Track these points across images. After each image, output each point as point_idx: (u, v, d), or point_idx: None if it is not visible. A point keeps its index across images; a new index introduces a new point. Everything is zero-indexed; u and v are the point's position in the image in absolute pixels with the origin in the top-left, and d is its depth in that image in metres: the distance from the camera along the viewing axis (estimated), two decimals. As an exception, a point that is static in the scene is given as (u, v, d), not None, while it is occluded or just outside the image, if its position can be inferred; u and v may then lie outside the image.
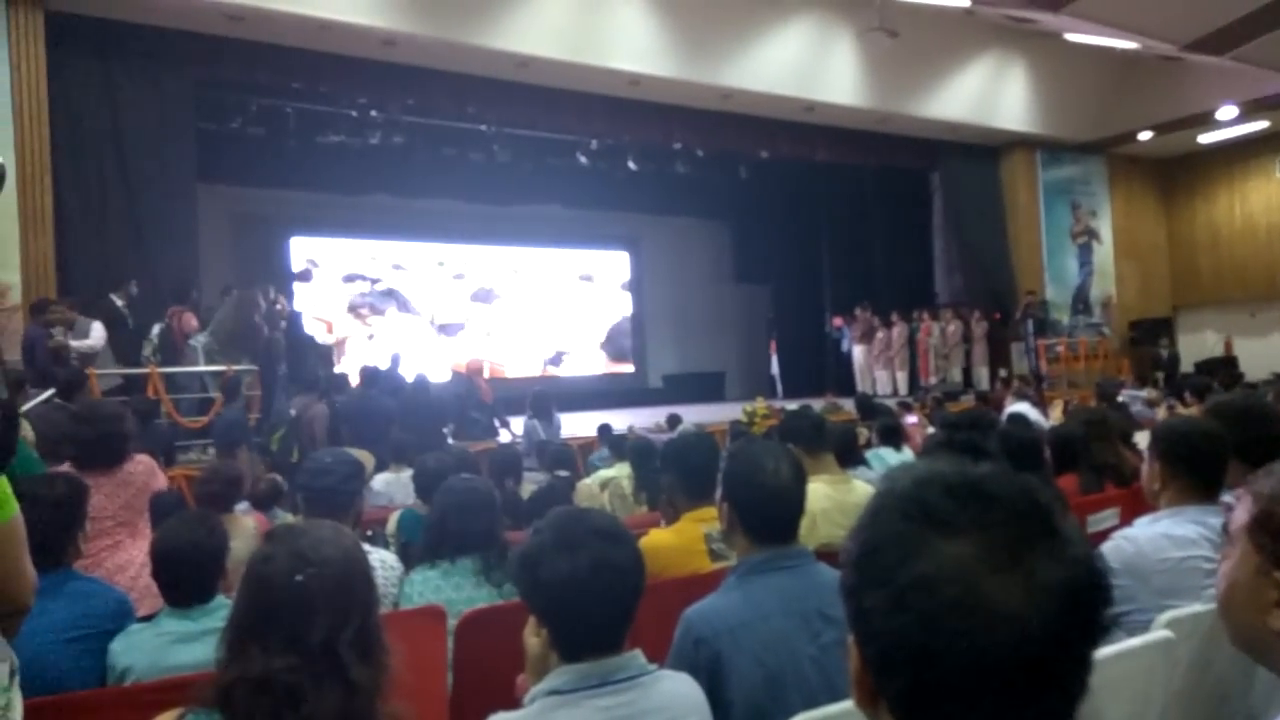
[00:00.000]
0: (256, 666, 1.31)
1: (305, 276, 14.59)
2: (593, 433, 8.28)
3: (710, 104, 11.93)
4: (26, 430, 4.69)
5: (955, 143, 14.22)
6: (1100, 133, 14.89)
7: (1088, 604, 0.70)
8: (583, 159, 13.30)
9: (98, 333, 7.46)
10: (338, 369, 10.73)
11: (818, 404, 10.21)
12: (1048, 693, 0.69)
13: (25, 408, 5.87)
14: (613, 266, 17.96)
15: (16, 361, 7.34)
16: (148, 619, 2.29)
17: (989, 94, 13.52)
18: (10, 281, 7.71)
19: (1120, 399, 8.24)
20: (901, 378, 14.20)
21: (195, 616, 2.17)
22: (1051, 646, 0.67)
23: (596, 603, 1.49)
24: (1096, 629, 0.71)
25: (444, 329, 15.93)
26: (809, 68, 11.81)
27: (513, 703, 1.54)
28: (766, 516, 1.93)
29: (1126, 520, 2.71)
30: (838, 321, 15.51)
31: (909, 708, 0.71)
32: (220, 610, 2.12)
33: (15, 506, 1.45)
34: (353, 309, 15.08)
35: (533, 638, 1.57)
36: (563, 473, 5.56)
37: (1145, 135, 14.85)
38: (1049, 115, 14.15)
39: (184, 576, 2.21)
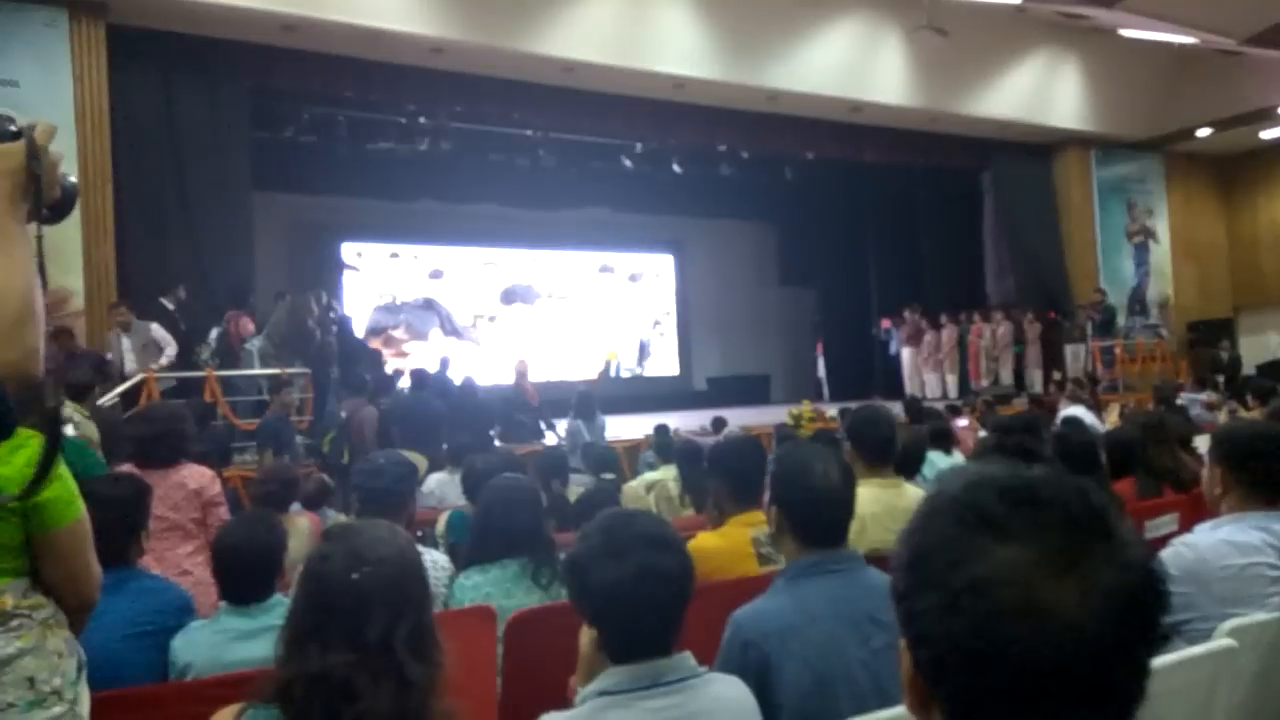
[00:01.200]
0: (314, 663, 1.34)
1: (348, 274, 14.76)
2: (638, 435, 8.29)
3: (756, 106, 11.88)
4: (91, 432, 4.85)
5: (1006, 142, 13.99)
6: (1157, 130, 14.54)
7: (1146, 609, 0.69)
8: (627, 163, 13.34)
9: (168, 343, 7.69)
10: (388, 371, 10.87)
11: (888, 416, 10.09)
12: (1104, 699, 0.68)
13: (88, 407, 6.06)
14: (658, 269, 17.99)
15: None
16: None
17: (1041, 92, 13.27)
18: (74, 287, 7.96)
19: (1179, 402, 8.04)
20: (951, 380, 14.00)
21: (254, 614, 2.22)
22: (1108, 652, 0.66)
23: (644, 609, 1.49)
24: (1154, 634, 0.70)
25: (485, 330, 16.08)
26: (856, 68, 11.72)
27: (563, 703, 1.55)
28: (815, 520, 1.92)
29: (1186, 526, 2.65)
30: (886, 324, 15.34)
31: (963, 712, 0.70)
32: (278, 608, 2.17)
33: (82, 506, 1.51)
34: (380, 330, 15.04)
35: (586, 639, 1.58)
36: (608, 475, 5.57)
37: (1204, 132, 14.47)
38: (1103, 113, 13.85)
39: (243, 574, 2.26)
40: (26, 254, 1.19)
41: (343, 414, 7.89)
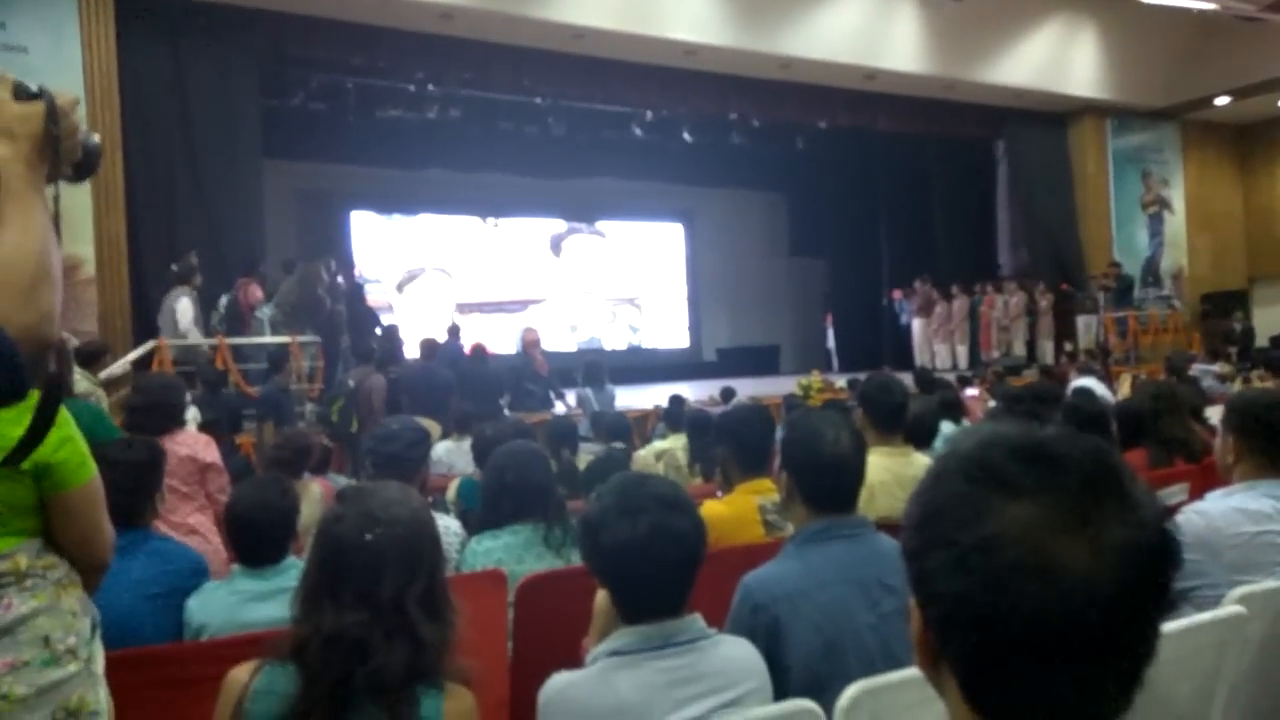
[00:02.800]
0: (329, 622, 1.36)
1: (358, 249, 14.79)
2: (647, 406, 8.29)
3: (768, 73, 11.75)
4: (101, 398, 4.88)
5: (1021, 110, 13.82)
6: (1174, 98, 14.33)
7: (1158, 567, 0.69)
8: (638, 131, 13.23)
9: (185, 313, 7.72)
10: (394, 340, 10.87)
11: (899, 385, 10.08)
12: (1113, 656, 0.68)
13: (102, 375, 6.11)
14: (668, 240, 17.91)
15: (94, 333, 7.63)
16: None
17: (1057, 59, 13.08)
18: (84, 255, 7.97)
19: (1191, 374, 8.00)
20: (962, 351, 13.95)
21: (268, 576, 2.25)
22: (1119, 609, 0.66)
23: (655, 568, 1.50)
24: (1166, 593, 0.69)
25: (499, 304, 16.08)
26: (870, 34, 11.56)
27: (573, 664, 1.57)
28: (825, 486, 1.93)
29: (1196, 496, 2.65)
30: (896, 294, 15.25)
31: (972, 669, 0.71)
32: (291, 570, 2.19)
33: (94, 469, 1.52)
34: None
35: (601, 601, 1.60)
36: (618, 444, 5.59)
37: (1222, 100, 14.25)
38: (1120, 81, 13.66)
39: (257, 537, 2.29)
40: (43, 218, 1.18)
41: (350, 383, 7.91)
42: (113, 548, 1.61)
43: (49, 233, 1.19)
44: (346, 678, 1.33)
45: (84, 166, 1.28)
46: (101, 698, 1.56)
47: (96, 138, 1.28)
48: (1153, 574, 0.69)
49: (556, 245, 16.71)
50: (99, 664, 1.57)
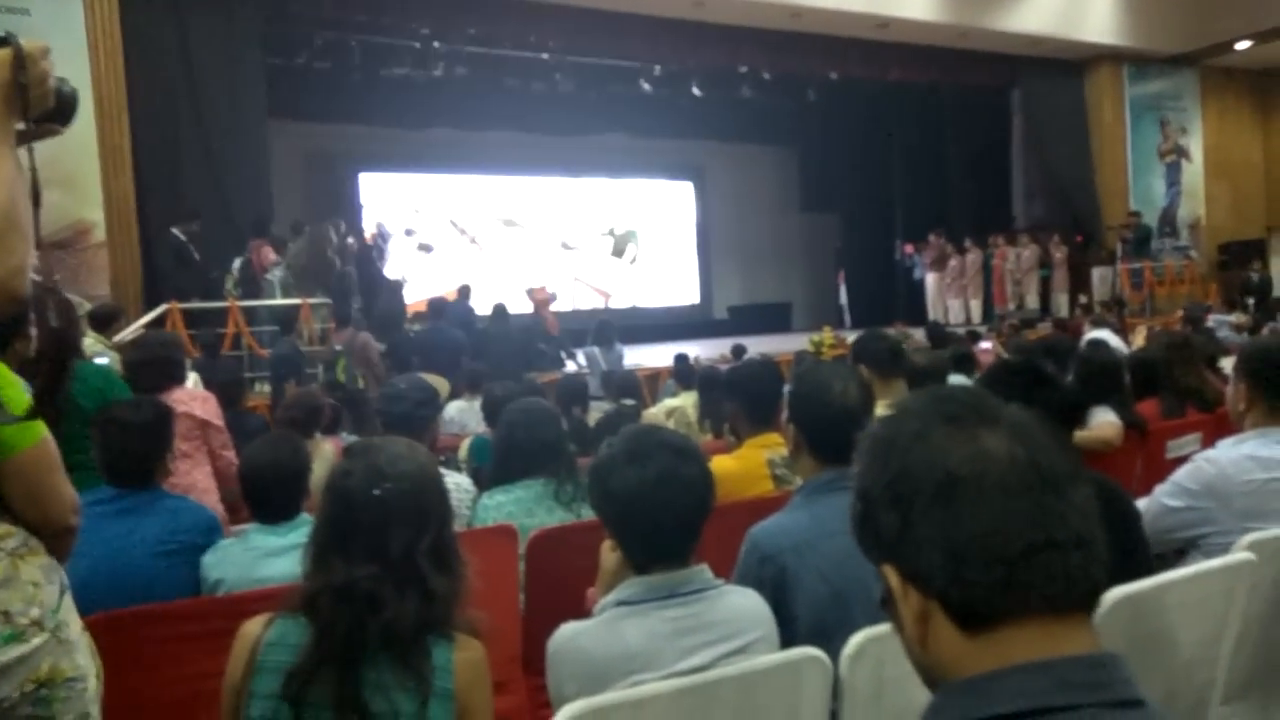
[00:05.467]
0: (339, 576, 1.38)
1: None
2: (658, 364, 8.29)
3: (778, 23, 11.56)
4: (116, 360, 4.91)
5: (1037, 58, 13.56)
6: (1193, 44, 14.02)
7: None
8: (646, 86, 13.08)
9: None
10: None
11: (892, 334, 10.05)
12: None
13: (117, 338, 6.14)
14: (677, 197, 17.77)
15: (106, 296, 7.66)
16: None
17: (1074, 4, 12.82)
18: (94, 219, 7.98)
19: (1208, 324, 7.93)
20: (975, 306, 13.85)
21: (282, 532, 2.27)
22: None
23: (663, 513, 1.51)
24: None
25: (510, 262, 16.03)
26: (882, -19, 11.35)
27: (582, 616, 1.59)
28: (833, 437, 1.91)
29: (1209, 445, 2.64)
30: (909, 249, 15.11)
31: (983, 585, 0.74)
32: (304, 526, 2.21)
33: (42, 429, 1.47)
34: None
35: (609, 553, 1.61)
36: (629, 401, 5.61)
37: (1243, 44, 13.93)
38: (1138, 26, 13.37)
39: (270, 493, 2.31)
40: (10, 168, 1.14)
41: (338, 347, 7.92)
42: (76, 510, 1.56)
43: (18, 184, 1.14)
44: (358, 629, 1.35)
45: (59, 114, 1.23)
46: (80, 663, 1.54)
47: (71, 85, 1.24)
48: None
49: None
50: (72, 630, 1.54)
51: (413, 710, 1.35)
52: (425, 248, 15.22)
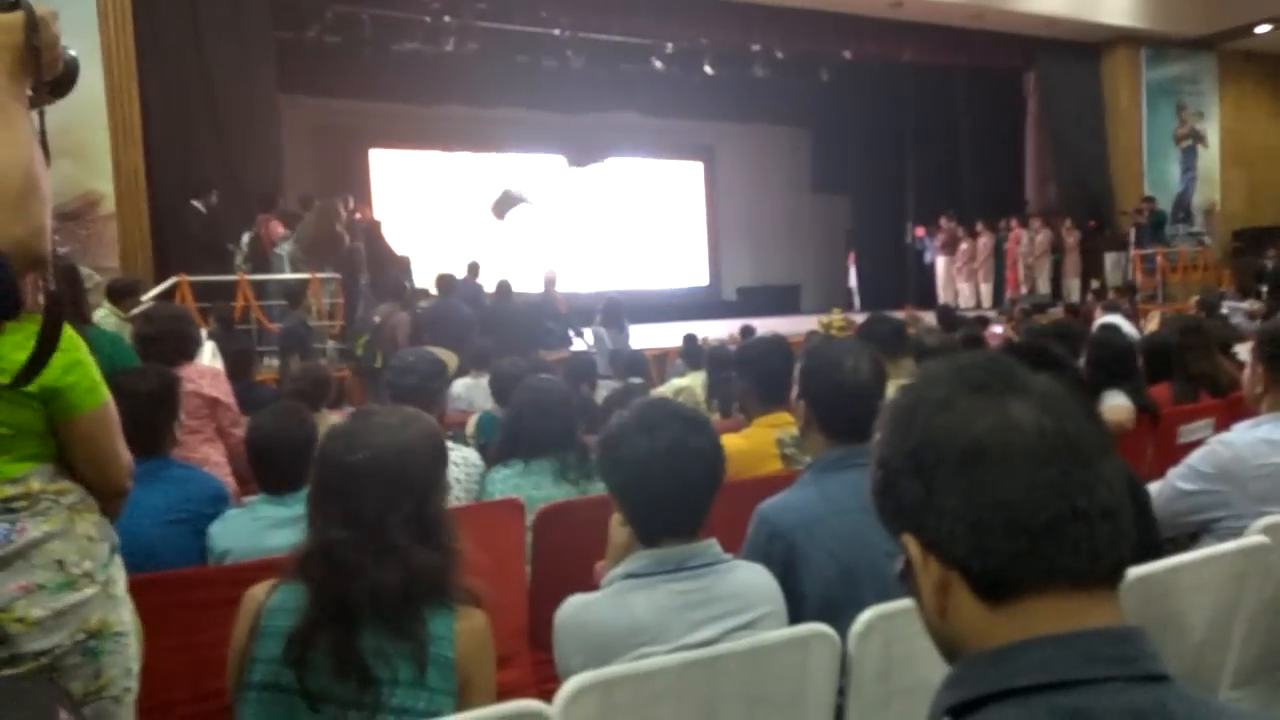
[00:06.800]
0: (318, 536, 1.40)
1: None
2: (667, 345, 8.27)
3: (792, 2, 11.44)
4: (126, 334, 4.91)
5: (1053, 40, 13.42)
6: (1212, 27, 13.84)
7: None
8: (658, 64, 12.97)
9: None
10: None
11: (897, 316, 10.02)
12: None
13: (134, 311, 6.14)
14: (688, 177, 17.67)
15: (116, 268, 7.67)
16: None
17: (1091, -14, 12.67)
18: (104, 191, 7.97)
19: (1222, 311, 7.87)
20: (986, 290, 13.77)
21: (288, 503, 2.27)
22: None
23: (673, 483, 1.50)
24: None
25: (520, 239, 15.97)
26: (897, -40, 11.23)
27: (590, 589, 1.58)
28: (844, 414, 1.90)
29: (1221, 431, 2.61)
30: (920, 231, 15.02)
31: (1007, 553, 0.72)
32: (310, 498, 2.21)
33: (106, 393, 1.51)
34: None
35: (618, 528, 1.60)
36: (636, 379, 5.60)
37: (1263, 28, 13.75)
38: (1156, 8, 13.20)
39: (277, 464, 2.31)
40: (28, 130, 1.15)
41: (376, 319, 7.93)
42: (131, 474, 1.60)
43: (35, 146, 1.16)
44: (344, 591, 1.35)
45: (63, 82, 1.24)
46: (125, 619, 1.58)
47: (73, 52, 1.24)
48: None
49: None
50: (119, 586, 1.58)
51: (411, 677, 1.35)
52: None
